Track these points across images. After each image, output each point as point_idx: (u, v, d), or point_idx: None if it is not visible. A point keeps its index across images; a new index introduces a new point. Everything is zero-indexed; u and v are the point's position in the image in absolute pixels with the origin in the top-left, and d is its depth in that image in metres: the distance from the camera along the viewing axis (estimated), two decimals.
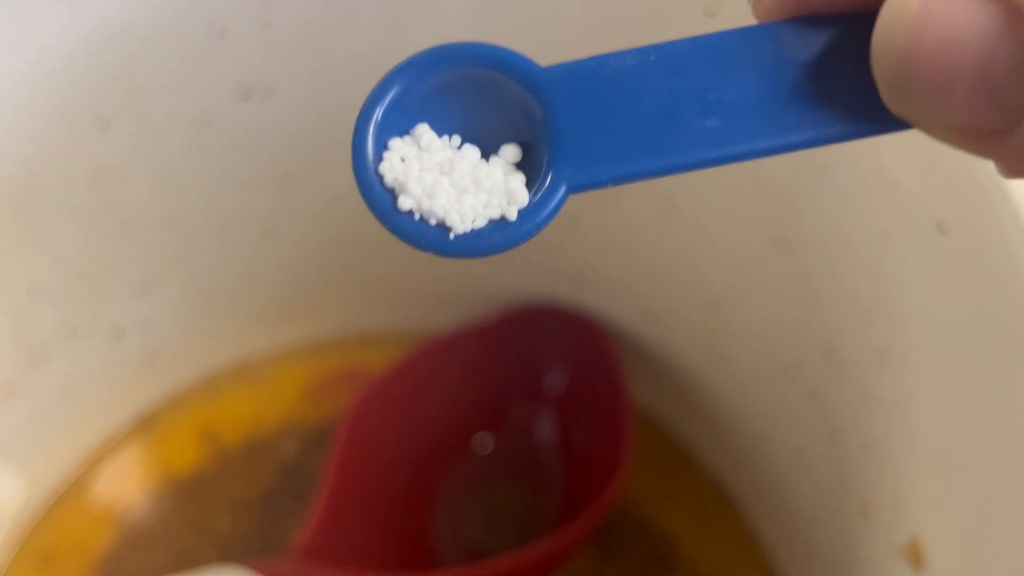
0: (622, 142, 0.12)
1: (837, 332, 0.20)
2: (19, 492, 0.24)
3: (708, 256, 0.23)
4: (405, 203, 0.12)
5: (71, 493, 0.25)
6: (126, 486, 0.26)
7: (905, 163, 0.17)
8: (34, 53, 0.19)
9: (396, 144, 0.12)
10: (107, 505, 0.25)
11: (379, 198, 0.12)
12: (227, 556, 0.25)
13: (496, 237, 0.12)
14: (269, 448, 0.26)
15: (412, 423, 0.26)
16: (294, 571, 0.23)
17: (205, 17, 0.20)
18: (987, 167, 0.16)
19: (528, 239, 0.12)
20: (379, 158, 0.12)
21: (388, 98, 0.12)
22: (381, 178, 0.12)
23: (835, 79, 0.12)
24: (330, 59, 0.21)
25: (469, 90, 0.12)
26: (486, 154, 0.12)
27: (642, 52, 0.12)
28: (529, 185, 0.12)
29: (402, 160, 0.12)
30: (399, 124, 0.12)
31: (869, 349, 0.20)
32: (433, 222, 0.12)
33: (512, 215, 0.12)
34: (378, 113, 0.12)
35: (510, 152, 0.12)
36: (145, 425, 0.26)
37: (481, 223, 0.12)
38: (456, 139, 0.12)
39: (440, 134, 0.12)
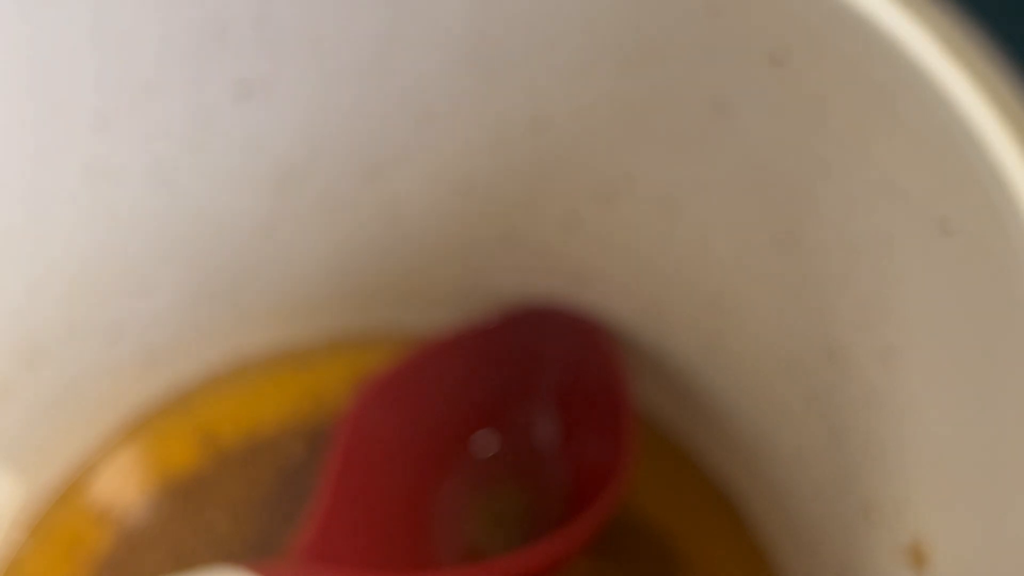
0: None
1: (839, 332, 0.20)
2: (16, 494, 0.24)
3: (709, 256, 0.23)
4: None
5: (69, 494, 0.25)
6: (124, 487, 0.26)
7: (908, 163, 0.17)
8: (30, 51, 0.19)
9: None
10: (105, 506, 0.25)
11: None
12: (226, 557, 0.25)
13: None
14: (269, 449, 0.26)
15: (412, 425, 0.25)
16: (293, 572, 0.23)
17: (204, 14, 0.20)
18: (991, 166, 0.16)
19: None
20: None
21: None
22: None
23: None
24: (332, 57, 0.21)
25: None
26: None
27: None
28: None
29: None
30: None
31: (871, 349, 0.19)
32: None
33: None
34: None
35: None
36: (143, 426, 0.26)
37: None
38: None
39: None
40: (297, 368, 0.27)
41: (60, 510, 0.25)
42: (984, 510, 0.17)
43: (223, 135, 0.22)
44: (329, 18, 0.21)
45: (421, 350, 0.26)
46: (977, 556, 0.17)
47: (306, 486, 0.25)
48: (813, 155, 0.19)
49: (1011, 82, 0.16)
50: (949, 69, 0.16)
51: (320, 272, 0.26)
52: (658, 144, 0.21)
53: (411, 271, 0.26)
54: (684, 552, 0.25)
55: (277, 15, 0.20)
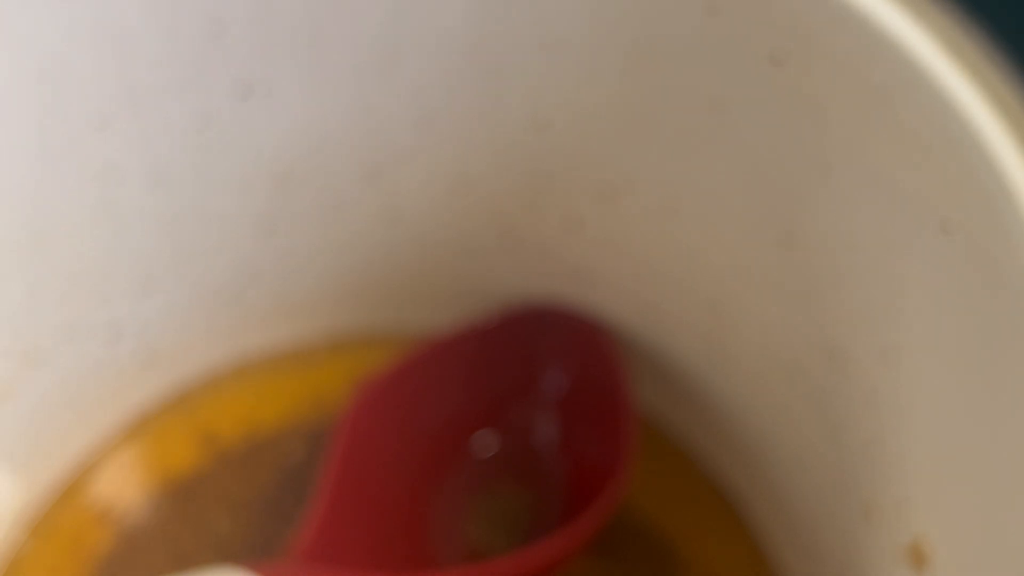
0: None
1: (839, 332, 0.20)
2: (16, 493, 0.24)
3: (709, 256, 0.22)
4: None
5: (69, 494, 0.25)
6: (124, 487, 0.26)
7: (908, 163, 0.17)
8: (31, 52, 0.19)
9: None
10: (105, 506, 0.25)
11: None
12: (226, 557, 0.25)
13: None
14: (269, 449, 0.26)
15: (412, 425, 0.25)
16: (294, 572, 0.23)
17: (203, 14, 0.20)
18: (991, 166, 0.16)
19: None
20: None
21: None
22: None
23: None
24: (331, 57, 0.21)
25: None
26: None
27: None
28: None
29: None
30: None
31: (871, 349, 0.19)
32: None
33: None
34: None
35: None
36: (143, 426, 0.26)
37: None
38: None
39: None
40: (297, 368, 0.27)
41: (60, 510, 0.25)
42: (984, 510, 0.17)
43: (223, 135, 0.22)
44: (329, 18, 0.21)
45: (421, 350, 0.26)
46: (977, 556, 0.17)
47: (306, 486, 0.25)
48: (813, 155, 0.19)
49: (1011, 82, 0.16)
50: (949, 69, 0.16)
51: (320, 272, 0.26)
52: (658, 144, 0.21)
53: (411, 271, 0.26)
54: (684, 552, 0.25)
55: (276, 15, 0.20)
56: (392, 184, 0.24)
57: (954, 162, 0.16)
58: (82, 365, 0.24)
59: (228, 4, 0.20)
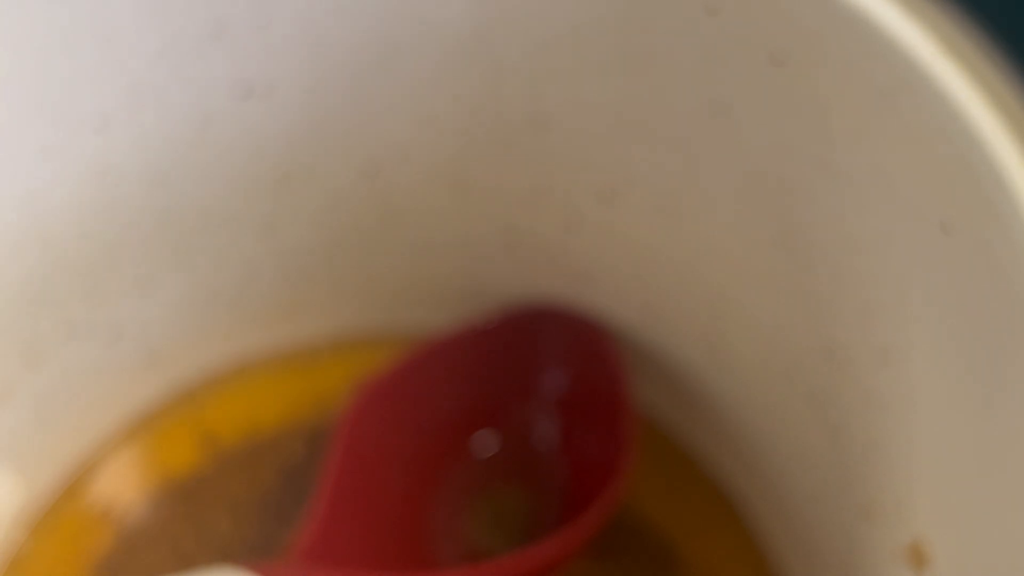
0: None
1: (839, 332, 0.20)
2: (16, 493, 0.24)
3: (709, 256, 0.22)
4: None
5: (69, 495, 0.25)
6: (124, 488, 0.25)
7: (908, 163, 0.17)
8: (31, 52, 0.19)
9: None
10: (105, 507, 0.25)
11: None
12: (226, 557, 0.25)
13: None
14: (269, 449, 0.26)
15: (412, 425, 0.25)
16: (293, 572, 0.23)
17: (204, 14, 0.20)
18: (991, 166, 0.16)
19: None
20: None
21: None
22: None
23: None
24: (331, 57, 0.21)
25: None
26: None
27: None
28: None
29: None
30: None
31: (871, 349, 0.19)
32: None
33: None
34: None
35: None
36: (143, 426, 0.26)
37: None
38: None
39: None
40: (297, 368, 0.27)
41: (60, 510, 0.25)
42: (984, 510, 0.17)
43: (223, 135, 0.22)
44: (329, 18, 0.21)
45: (421, 350, 0.26)
46: (977, 556, 0.17)
47: (306, 486, 0.25)
48: (813, 156, 0.19)
49: (1011, 82, 0.16)
50: (949, 69, 0.16)
51: (320, 272, 0.26)
52: (658, 144, 0.21)
53: (411, 271, 0.26)
54: (684, 552, 0.25)
55: (277, 15, 0.20)
56: (392, 184, 0.24)
57: (954, 162, 0.16)
58: (82, 365, 0.24)
59: (228, 4, 0.20)
